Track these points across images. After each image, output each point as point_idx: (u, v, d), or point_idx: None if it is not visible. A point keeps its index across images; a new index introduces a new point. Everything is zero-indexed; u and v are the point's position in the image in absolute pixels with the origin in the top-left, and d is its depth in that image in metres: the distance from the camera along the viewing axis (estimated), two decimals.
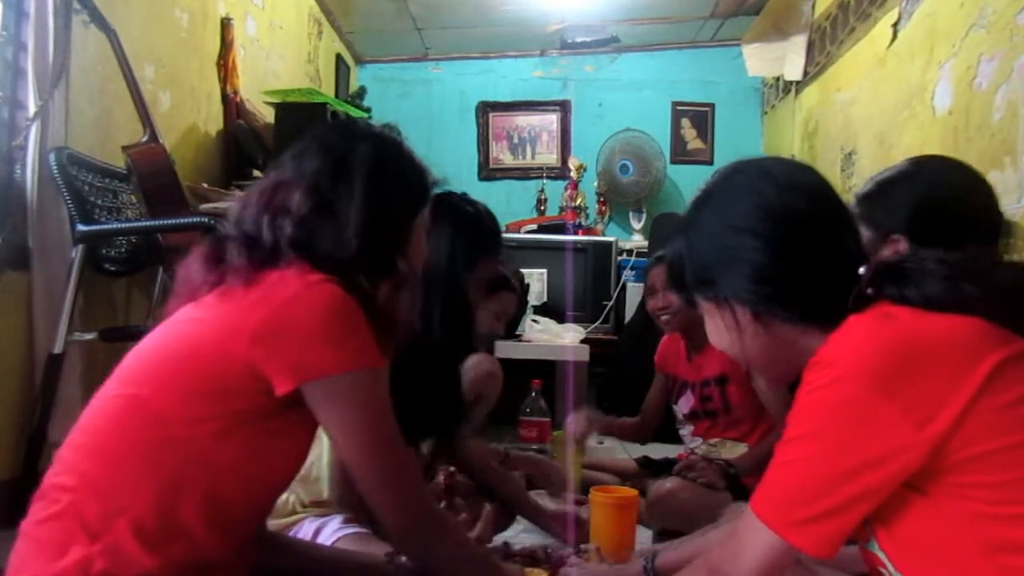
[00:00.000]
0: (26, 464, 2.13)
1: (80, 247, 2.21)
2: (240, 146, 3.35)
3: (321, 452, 1.50)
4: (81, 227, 2.21)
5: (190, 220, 2.34)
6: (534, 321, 3.55)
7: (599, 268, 4.13)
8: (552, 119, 5.13)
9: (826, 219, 0.98)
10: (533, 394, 2.62)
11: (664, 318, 2.43)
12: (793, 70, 4.01)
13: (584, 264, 4.12)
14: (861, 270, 0.94)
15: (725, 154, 4.70)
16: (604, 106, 5.09)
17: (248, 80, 3.49)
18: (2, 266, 2.12)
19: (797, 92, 4.16)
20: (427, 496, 1.19)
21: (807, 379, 0.87)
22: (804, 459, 0.86)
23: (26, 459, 2.14)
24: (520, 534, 1.92)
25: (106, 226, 2.33)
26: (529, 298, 3.66)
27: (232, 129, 3.35)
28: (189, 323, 1.09)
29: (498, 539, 1.70)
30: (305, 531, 1.48)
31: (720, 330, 1.02)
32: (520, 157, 5.16)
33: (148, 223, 2.39)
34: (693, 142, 5.08)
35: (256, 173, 3.27)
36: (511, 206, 4.86)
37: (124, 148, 2.44)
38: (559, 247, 4.13)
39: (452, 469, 1.78)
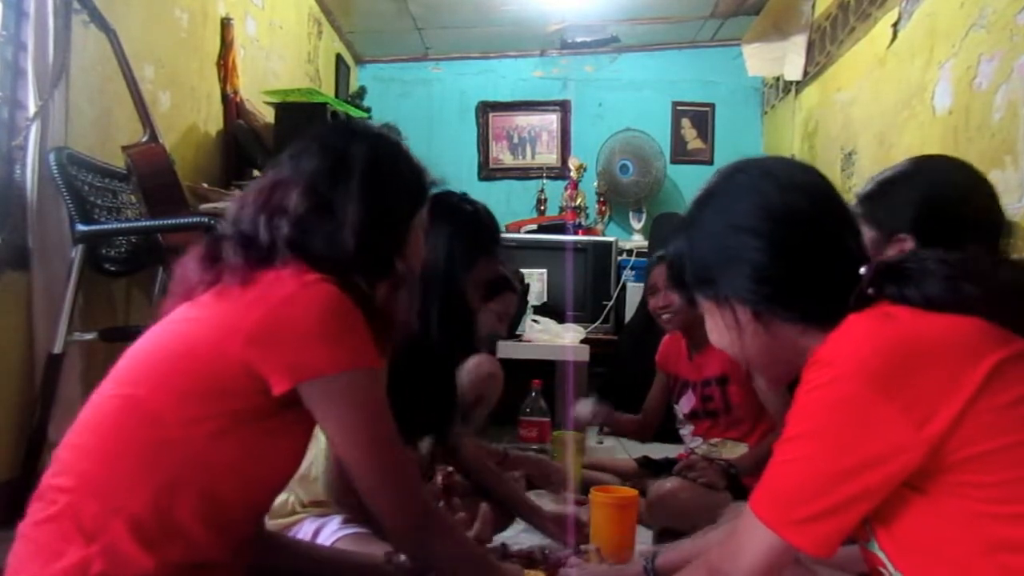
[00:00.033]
0: (26, 464, 2.13)
1: (80, 247, 2.21)
2: (240, 146, 3.35)
3: (318, 452, 1.49)
4: (81, 227, 2.21)
5: (190, 220, 2.34)
6: (534, 321, 3.54)
7: (599, 268, 4.13)
8: (552, 119, 5.12)
9: (827, 219, 0.98)
10: (533, 394, 2.62)
11: (665, 317, 2.44)
12: (793, 70, 4.01)
13: (584, 264, 4.12)
14: (862, 270, 0.93)
15: (725, 154, 4.70)
16: (604, 106, 5.09)
17: (248, 80, 3.48)
18: (2, 266, 2.12)
19: (797, 92, 4.16)
20: (425, 496, 1.19)
21: (806, 378, 0.87)
22: (803, 458, 0.86)
23: (26, 459, 2.13)
24: (519, 535, 1.92)
25: (106, 226, 2.33)
26: (529, 298, 3.65)
27: (232, 129, 3.35)
28: (185, 323, 1.09)
29: (497, 540, 1.70)
30: (305, 531, 1.48)
31: (720, 329, 1.02)
32: (520, 157, 5.16)
33: (148, 223, 2.39)
34: (693, 142, 5.08)
35: (256, 173, 3.26)
36: (511, 206, 4.86)
37: (124, 148, 2.44)
38: (559, 247, 4.13)
39: (450, 469, 1.78)
